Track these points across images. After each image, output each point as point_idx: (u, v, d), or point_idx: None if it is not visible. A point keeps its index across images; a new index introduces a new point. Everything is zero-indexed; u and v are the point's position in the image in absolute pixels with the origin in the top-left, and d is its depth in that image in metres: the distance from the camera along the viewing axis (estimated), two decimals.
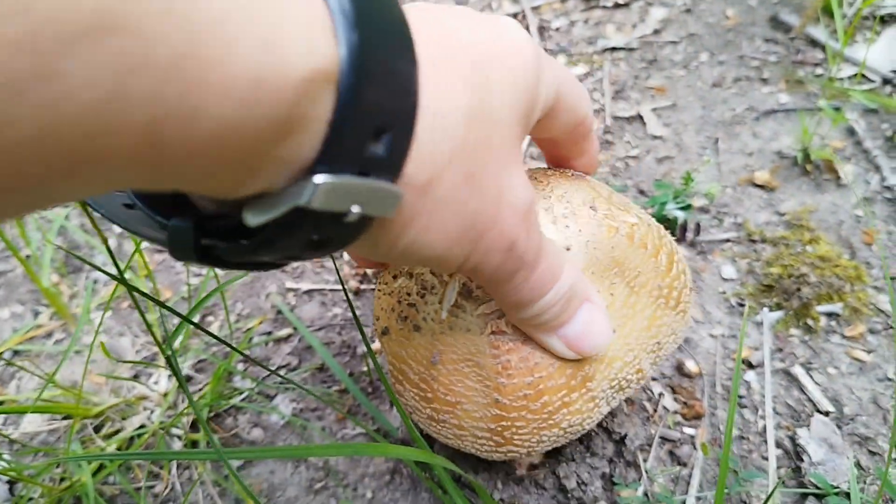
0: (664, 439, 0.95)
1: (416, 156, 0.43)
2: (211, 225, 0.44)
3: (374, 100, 0.39)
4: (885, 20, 1.47)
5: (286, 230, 0.40)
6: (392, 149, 0.41)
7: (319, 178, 0.38)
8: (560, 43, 1.50)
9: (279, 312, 1.09)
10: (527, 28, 1.53)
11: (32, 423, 0.97)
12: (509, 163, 0.52)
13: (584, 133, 0.68)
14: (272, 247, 0.41)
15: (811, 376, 0.99)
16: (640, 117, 1.34)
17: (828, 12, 1.43)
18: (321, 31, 0.36)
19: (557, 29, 1.53)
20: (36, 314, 1.11)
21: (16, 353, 1.06)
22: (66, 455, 0.86)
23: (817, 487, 0.88)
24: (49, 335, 1.08)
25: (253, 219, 0.40)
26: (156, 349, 1.05)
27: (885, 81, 1.36)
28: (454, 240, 0.49)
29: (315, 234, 0.41)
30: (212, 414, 0.97)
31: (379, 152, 0.40)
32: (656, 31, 1.50)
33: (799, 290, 1.06)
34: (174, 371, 0.77)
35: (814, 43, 1.43)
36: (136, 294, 0.62)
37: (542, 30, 1.53)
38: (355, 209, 0.40)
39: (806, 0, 1.48)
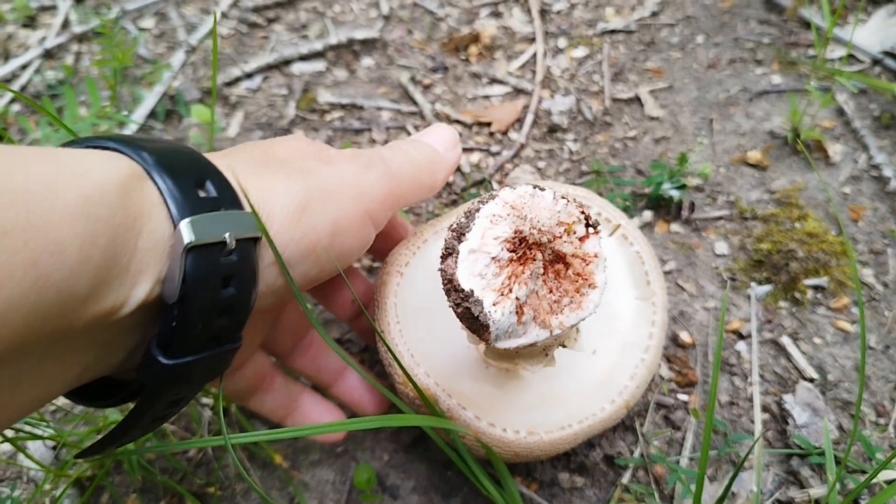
0: (659, 405, 1.02)
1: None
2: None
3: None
4: (876, 1, 1.51)
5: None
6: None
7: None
8: (561, 25, 1.55)
9: None
10: (528, 11, 1.58)
11: None
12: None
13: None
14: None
15: (797, 346, 1.06)
16: (637, 99, 1.40)
17: None
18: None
19: (558, 12, 1.58)
20: None
21: None
22: (106, 423, 0.93)
23: (801, 448, 0.95)
24: None
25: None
26: None
27: (875, 62, 1.41)
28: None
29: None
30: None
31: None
32: (654, 14, 1.55)
33: (787, 264, 1.12)
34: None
35: (807, 24, 1.48)
36: None
37: (543, 13, 1.58)
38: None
39: None
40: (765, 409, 1.00)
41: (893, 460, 0.94)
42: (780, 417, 0.99)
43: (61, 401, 1.04)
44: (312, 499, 0.95)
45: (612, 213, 0.95)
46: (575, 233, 0.72)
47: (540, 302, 0.71)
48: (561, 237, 0.71)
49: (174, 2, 1.62)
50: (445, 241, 0.72)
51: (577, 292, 0.72)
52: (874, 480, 0.93)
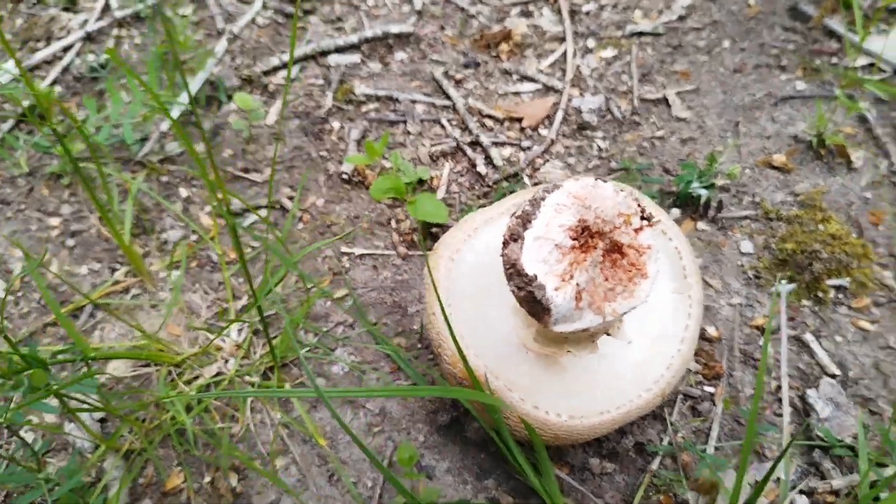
0: (687, 396, 1.06)
1: None
2: None
3: None
4: None
5: None
6: None
7: None
8: (590, 26, 1.58)
9: (336, 274, 1.19)
10: (558, 11, 1.62)
11: (118, 369, 1.07)
12: None
13: None
14: None
15: (820, 343, 1.10)
16: (665, 100, 1.43)
17: (846, 4, 1.52)
18: None
19: (588, 13, 1.61)
20: (112, 270, 1.21)
21: (96, 306, 1.16)
22: (160, 397, 0.96)
23: (823, 440, 0.99)
24: (126, 290, 1.18)
25: None
26: (225, 304, 1.15)
27: None
28: None
29: None
30: (280, 364, 1.08)
31: None
32: (681, 18, 1.58)
33: (811, 264, 1.16)
34: (263, 325, 0.87)
35: (831, 33, 1.52)
36: (214, 256, 0.71)
37: (573, 13, 1.61)
38: None
39: None
40: (789, 402, 1.04)
41: None
42: (802, 411, 1.03)
43: (108, 374, 1.07)
44: (351, 476, 0.99)
45: (653, 209, 0.99)
46: (632, 224, 0.76)
47: (596, 289, 0.74)
48: (620, 227, 0.75)
49: None
50: (509, 227, 0.76)
51: (631, 281, 0.76)
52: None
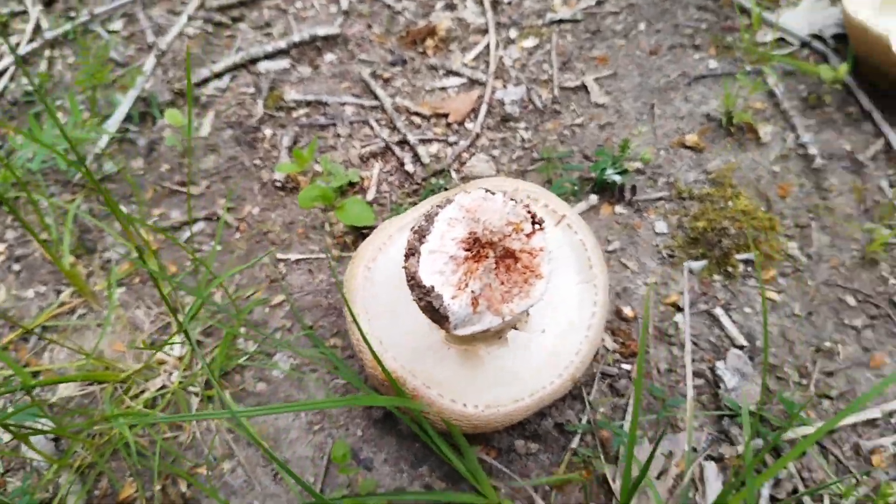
0: (605, 375, 1.13)
1: None
2: None
3: None
4: None
5: None
6: None
7: None
8: (511, 16, 1.63)
9: (273, 281, 1.25)
10: (481, 2, 1.66)
11: (68, 389, 1.13)
12: None
13: None
14: None
15: (729, 316, 1.17)
16: (584, 87, 1.49)
17: None
18: None
19: (509, 3, 1.66)
20: (58, 293, 1.25)
21: (44, 328, 1.21)
22: (105, 416, 1.02)
23: (731, 409, 1.06)
24: (72, 311, 1.23)
25: None
26: (168, 319, 1.21)
27: (803, 45, 1.52)
28: None
29: None
30: (222, 372, 1.13)
31: None
32: (599, 3, 1.63)
33: (720, 241, 1.23)
34: (188, 339, 0.92)
35: (742, 9, 1.58)
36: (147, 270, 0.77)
37: (494, 4, 1.66)
38: None
39: None
40: (699, 374, 1.11)
41: (811, 416, 1.06)
42: (713, 382, 1.11)
43: (59, 394, 1.12)
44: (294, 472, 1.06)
45: (558, 205, 1.05)
46: (523, 230, 0.82)
47: (493, 293, 0.81)
48: (510, 235, 0.81)
49: (141, 3, 1.68)
50: (408, 241, 0.82)
51: (526, 283, 0.82)
52: (795, 435, 1.05)
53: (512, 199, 0.83)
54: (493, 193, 0.82)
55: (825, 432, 0.82)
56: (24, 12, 1.69)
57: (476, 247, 0.80)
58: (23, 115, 1.50)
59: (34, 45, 1.60)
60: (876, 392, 0.72)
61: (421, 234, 0.80)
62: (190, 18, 1.64)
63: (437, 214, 0.81)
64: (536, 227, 0.83)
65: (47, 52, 1.61)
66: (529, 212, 0.83)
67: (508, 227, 0.81)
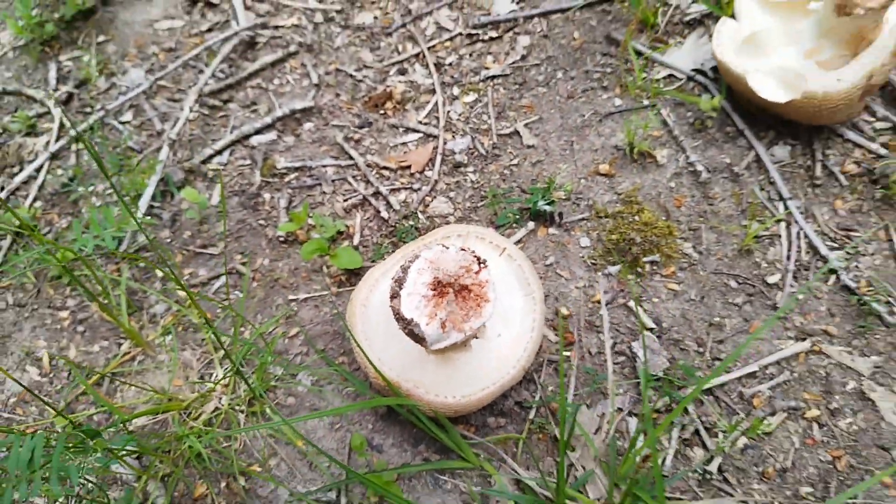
0: (551, 361, 1.49)
1: None
2: None
3: None
4: (691, 24, 1.98)
5: None
6: None
7: None
8: (453, 75, 1.99)
9: (288, 317, 1.60)
10: (427, 66, 2.01)
11: (141, 420, 1.47)
12: None
13: None
14: None
15: (641, 306, 1.54)
16: (517, 132, 1.84)
17: (651, 25, 1.94)
18: None
19: (450, 64, 2.01)
20: (119, 345, 1.60)
21: (113, 374, 1.55)
22: (177, 436, 1.36)
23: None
24: (133, 359, 1.57)
25: None
26: (211, 356, 1.55)
27: (689, 78, 1.88)
28: None
29: None
30: (259, 394, 1.48)
31: None
32: (523, 57, 1.98)
33: (630, 248, 1.59)
34: (238, 372, 1.27)
35: (637, 52, 1.94)
36: (194, 320, 1.10)
37: (438, 66, 2.01)
38: None
39: (631, 17, 1.98)
40: (621, 353, 1.48)
41: (708, 375, 1.42)
42: (631, 358, 1.47)
43: (135, 423, 1.47)
44: (324, 463, 1.40)
45: (500, 241, 1.41)
46: (472, 270, 1.17)
47: (455, 317, 1.16)
48: (463, 275, 1.16)
49: (145, 95, 2.01)
50: (391, 287, 1.17)
51: (478, 306, 1.17)
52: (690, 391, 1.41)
53: (462, 249, 1.18)
54: (448, 248, 1.17)
55: (710, 381, 1.19)
56: (48, 112, 2.02)
57: (440, 287, 1.15)
58: (62, 202, 1.84)
59: (62, 141, 1.93)
60: (741, 350, 1.09)
61: (399, 282, 1.16)
62: (191, 110, 1.98)
63: (409, 267, 1.16)
64: (482, 266, 1.18)
65: (74, 147, 1.94)
66: (475, 256, 1.18)
67: (461, 270, 1.16)
